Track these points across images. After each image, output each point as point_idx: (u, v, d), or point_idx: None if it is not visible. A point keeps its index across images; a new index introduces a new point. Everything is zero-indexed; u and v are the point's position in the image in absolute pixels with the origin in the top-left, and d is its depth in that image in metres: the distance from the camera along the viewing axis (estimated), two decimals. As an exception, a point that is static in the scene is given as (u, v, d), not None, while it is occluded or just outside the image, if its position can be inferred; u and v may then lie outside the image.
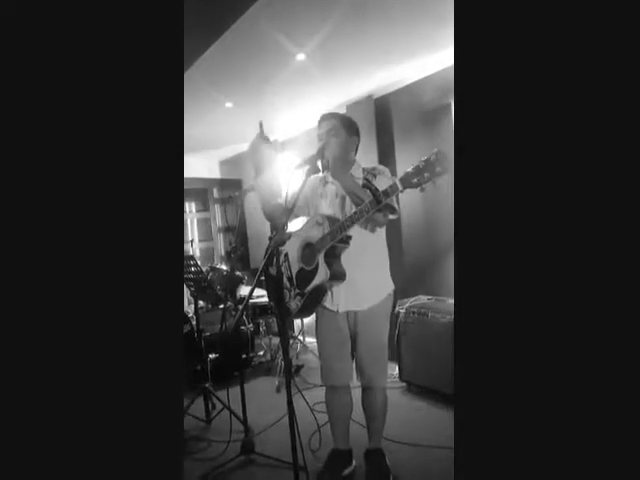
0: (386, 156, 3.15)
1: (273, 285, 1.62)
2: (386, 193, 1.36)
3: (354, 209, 1.49)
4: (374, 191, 1.37)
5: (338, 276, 1.59)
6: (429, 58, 2.79)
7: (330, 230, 1.55)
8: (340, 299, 1.69)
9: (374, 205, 1.40)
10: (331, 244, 1.54)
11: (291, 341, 3.56)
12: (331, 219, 1.58)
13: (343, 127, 1.68)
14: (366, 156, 1.91)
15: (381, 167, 1.68)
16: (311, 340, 3.68)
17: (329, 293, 1.68)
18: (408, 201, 2.81)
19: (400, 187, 1.33)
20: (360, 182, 1.64)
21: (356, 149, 1.76)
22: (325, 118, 1.70)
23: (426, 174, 1.26)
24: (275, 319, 3.57)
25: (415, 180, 1.28)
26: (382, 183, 1.42)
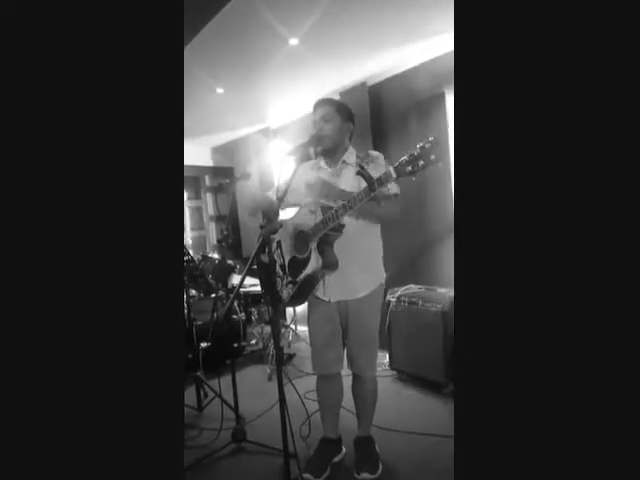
0: (379, 143, 3.13)
1: (265, 273, 1.61)
2: (380, 181, 1.35)
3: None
4: (368, 179, 1.35)
5: (330, 265, 1.58)
6: (424, 45, 2.76)
7: (323, 218, 1.53)
8: (332, 289, 1.68)
9: (367, 193, 1.38)
10: (323, 232, 1.53)
11: (283, 330, 3.56)
12: (324, 207, 1.56)
13: (338, 113, 1.66)
14: (360, 143, 1.89)
15: (375, 153, 1.66)
16: (303, 329, 3.69)
17: (321, 282, 1.68)
18: (401, 189, 2.80)
19: (394, 175, 1.31)
20: (353, 169, 1.63)
21: (351, 135, 1.74)
22: (320, 104, 1.69)
23: (421, 162, 1.25)
24: (267, 308, 3.56)
25: (409, 168, 1.27)
26: (376, 170, 1.40)
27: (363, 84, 3.22)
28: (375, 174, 1.36)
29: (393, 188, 1.60)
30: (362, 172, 1.36)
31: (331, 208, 1.52)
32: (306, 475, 1.72)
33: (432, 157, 1.24)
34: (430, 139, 1.26)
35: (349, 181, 1.63)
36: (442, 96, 2.80)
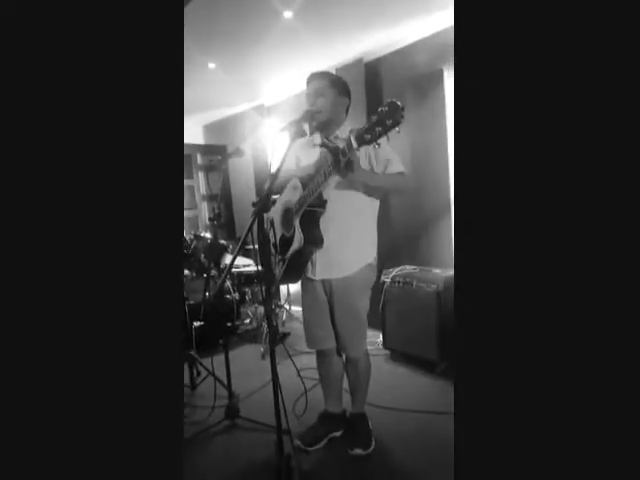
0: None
1: (261, 252, 1.60)
2: (343, 152, 1.32)
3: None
4: (332, 150, 1.32)
5: (313, 241, 1.55)
6: (422, 20, 2.68)
7: (302, 194, 1.50)
8: (317, 267, 1.67)
9: (334, 165, 1.35)
10: (304, 209, 1.50)
11: (277, 309, 3.57)
12: (305, 181, 1.54)
13: (332, 87, 1.61)
14: (355, 119, 1.84)
15: None
16: (297, 308, 3.70)
17: (310, 261, 1.66)
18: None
19: (355, 144, 1.27)
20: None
21: (346, 110, 1.69)
22: (314, 77, 1.63)
23: (378, 128, 1.20)
24: (260, 287, 3.56)
25: (368, 136, 1.22)
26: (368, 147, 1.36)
27: (360, 60, 3.14)
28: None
29: (397, 167, 1.56)
30: (325, 143, 1.33)
31: (310, 181, 1.50)
32: (297, 442, 1.75)
33: (388, 122, 1.17)
34: (386, 102, 1.19)
35: None
36: (440, 73, 2.74)
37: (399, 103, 1.17)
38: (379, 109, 1.20)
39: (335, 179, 1.50)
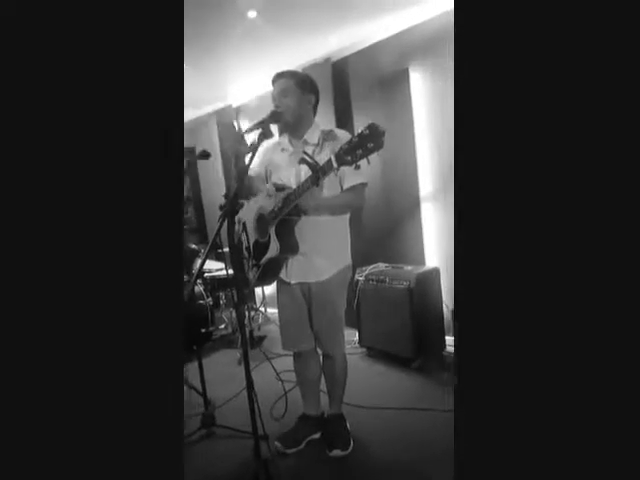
0: (343, 120, 3.08)
1: (231, 255, 1.57)
2: (323, 170, 1.30)
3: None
4: (313, 167, 1.31)
5: (289, 249, 1.55)
6: (389, 19, 2.70)
7: (278, 205, 1.49)
8: (293, 271, 1.66)
9: (314, 182, 1.34)
10: (280, 217, 1.49)
11: (253, 313, 3.53)
12: (281, 190, 1.52)
13: (297, 86, 1.59)
14: (323, 118, 1.84)
15: (339, 132, 1.60)
16: (273, 311, 3.67)
17: (284, 265, 1.65)
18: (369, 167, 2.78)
19: (335, 164, 1.26)
20: (312, 148, 1.58)
21: (314, 108, 1.68)
22: (279, 77, 1.61)
23: (359, 151, 1.20)
24: (231, 290, 3.51)
25: (349, 158, 1.22)
26: (332, 151, 1.35)
27: (327, 60, 3.14)
28: (327, 156, 1.30)
29: (359, 178, 1.55)
30: (306, 160, 1.31)
31: (285, 189, 1.48)
32: (277, 444, 1.74)
33: (370, 145, 1.18)
34: (367, 124, 1.19)
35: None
36: (406, 72, 2.77)
37: (380, 128, 1.17)
38: (360, 130, 1.20)
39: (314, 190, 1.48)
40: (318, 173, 1.30)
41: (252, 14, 2.44)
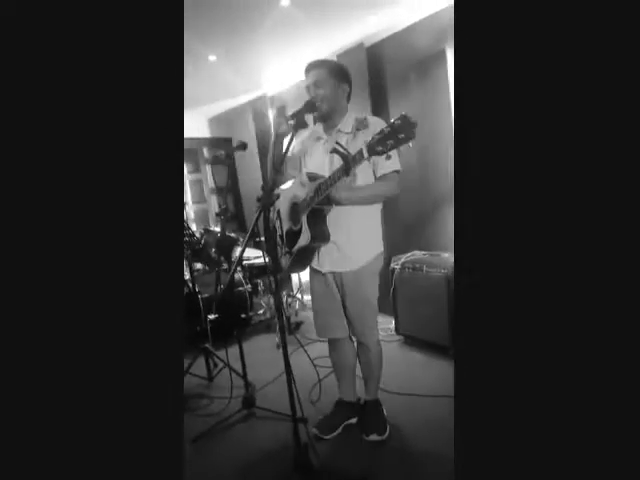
0: (379, 106, 3.03)
1: (267, 245, 1.61)
2: (354, 160, 1.31)
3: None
4: (344, 157, 1.32)
5: (321, 238, 1.57)
6: (421, 0, 2.62)
7: (310, 195, 1.50)
8: (325, 260, 1.68)
9: (343, 173, 1.34)
10: (312, 206, 1.51)
11: (290, 299, 3.60)
12: (314, 179, 1.53)
13: (331, 75, 1.58)
14: (358, 105, 1.82)
15: (373, 119, 1.59)
16: (309, 298, 3.72)
17: (317, 253, 1.67)
18: (403, 154, 2.74)
19: (366, 154, 1.26)
20: (346, 137, 1.58)
21: (348, 96, 1.67)
22: (312, 67, 1.61)
23: (389, 142, 1.20)
24: (268, 278, 3.59)
25: (380, 148, 1.22)
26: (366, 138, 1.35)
27: (361, 45, 3.09)
28: (359, 145, 1.30)
29: (393, 165, 1.55)
30: (338, 150, 1.32)
31: (317, 179, 1.49)
32: (314, 430, 1.79)
33: (401, 136, 1.19)
34: (400, 115, 1.20)
35: None
36: (443, 53, 2.68)
37: (412, 119, 1.18)
38: (392, 121, 1.21)
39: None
40: (349, 164, 1.31)
41: (285, 2, 2.44)
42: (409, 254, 2.71)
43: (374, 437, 1.75)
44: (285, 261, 1.69)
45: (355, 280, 1.67)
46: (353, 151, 1.32)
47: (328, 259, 1.67)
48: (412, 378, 2.27)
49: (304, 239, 1.55)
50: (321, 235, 1.56)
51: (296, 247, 1.60)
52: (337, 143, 1.35)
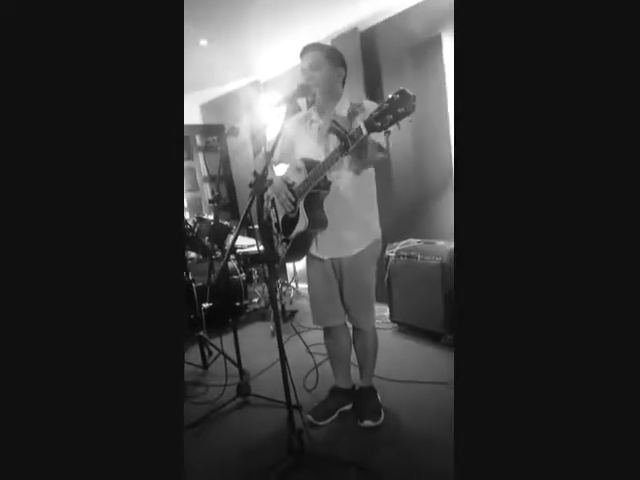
0: (373, 91, 3.00)
1: (261, 232, 1.60)
2: (352, 138, 1.30)
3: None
4: (343, 136, 1.30)
5: (318, 223, 1.56)
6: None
7: (307, 176, 1.49)
8: (324, 246, 1.67)
9: (343, 150, 1.33)
10: (309, 191, 1.49)
11: (284, 288, 3.60)
12: (309, 164, 1.52)
13: (327, 59, 1.56)
14: (352, 91, 1.80)
15: (369, 103, 1.57)
16: (304, 286, 3.72)
17: (314, 240, 1.66)
18: (398, 142, 2.72)
19: (364, 131, 1.25)
20: (342, 121, 1.55)
21: (343, 81, 1.65)
22: (308, 50, 1.58)
23: (389, 116, 1.19)
24: (263, 266, 3.58)
25: (379, 124, 1.21)
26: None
27: (355, 29, 3.04)
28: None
29: (377, 138, 1.51)
30: (335, 129, 1.31)
31: (315, 164, 1.47)
32: (308, 417, 1.80)
33: (400, 110, 1.17)
34: (398, 90, 1.19)
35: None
36: (438, 39, 2.65)
37: (410, 92, 1.17)
38: (390, 96, 1.20)
39: (342, 161, 1.48)
40: (347, 142, 1.30)
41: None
42: (404, 242, 2.71)
43: (368, 423, 1.76)
44: (282, 249, 1.68)
45: (354, 266, 1.67)
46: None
47: (326, 245, 1.66)
48: (406, 365, 2.28)
49: (302, 225, 1.54)
50: (319, 220, 1.55)
51: (294, 233, 1.58)
52: (334, 122, 1.34)
